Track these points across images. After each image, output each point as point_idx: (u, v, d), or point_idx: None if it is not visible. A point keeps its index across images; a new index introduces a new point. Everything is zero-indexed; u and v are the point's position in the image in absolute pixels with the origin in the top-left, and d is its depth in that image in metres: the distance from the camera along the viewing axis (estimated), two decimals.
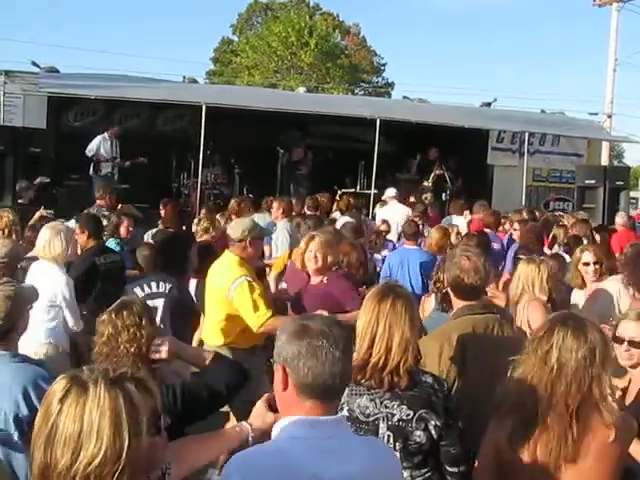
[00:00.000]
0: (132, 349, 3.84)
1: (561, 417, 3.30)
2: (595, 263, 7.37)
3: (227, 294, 6.40)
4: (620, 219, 13.61)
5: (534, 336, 3.57)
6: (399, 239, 12.04)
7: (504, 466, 3.44)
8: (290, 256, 8.90)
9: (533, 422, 3.35)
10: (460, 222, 13.08)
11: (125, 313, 3.93)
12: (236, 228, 6.76)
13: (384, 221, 13.40)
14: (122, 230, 10.11)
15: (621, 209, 17.96)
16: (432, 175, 18.49)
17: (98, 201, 11.58)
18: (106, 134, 16.32)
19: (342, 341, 2.70)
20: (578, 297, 7.53)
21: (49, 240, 7.05)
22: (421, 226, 12.59)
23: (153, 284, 6.65)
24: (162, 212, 11.17)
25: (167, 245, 7.44)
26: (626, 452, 3.47)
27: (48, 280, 6.80)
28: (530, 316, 6.24)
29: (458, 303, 4.76)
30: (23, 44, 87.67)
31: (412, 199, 15.76)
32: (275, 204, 11.70)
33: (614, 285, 7.02)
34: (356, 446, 2.77)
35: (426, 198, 16.80)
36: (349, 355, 2.76)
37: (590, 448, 3.29)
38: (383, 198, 15.47)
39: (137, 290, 6.62)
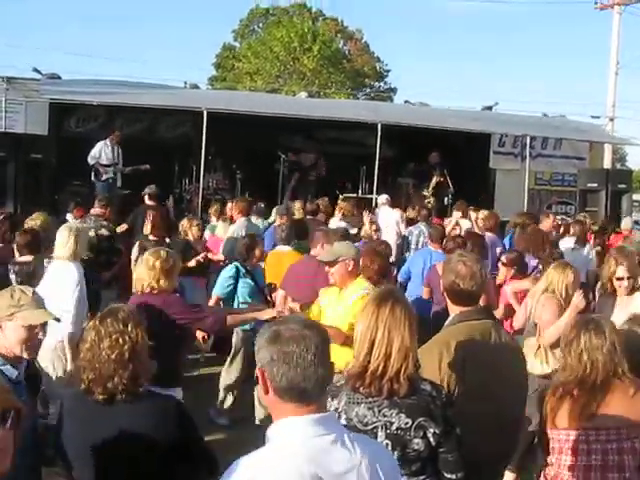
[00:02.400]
0: (113, 355, 3.86)
1: (588, 391, 4.20)
2: (629, 278, 7.36)
3: None
4: (626, 224, 13.71)
5: (566, 339, 4.44)
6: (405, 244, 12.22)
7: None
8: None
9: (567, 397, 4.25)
10: (465, 224, 13.12)
11: (109, 320, 3.96)
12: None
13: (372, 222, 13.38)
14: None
15: (623, 212, 17.98)
16: (432, 183, 18.48)
17: (98, 209, 11.50)
18: (107, 140, 16.32)
19: (315, 344, 2.71)
20: (608, 305, 7.55)
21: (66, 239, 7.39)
22: (424, 228, 12.73)
23: None
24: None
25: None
26: None
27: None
28: (542, 310, 6.48)
29: (454, 309, 4.69)
30: (24, 50, 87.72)
31: (413, 204, 15.75)
32: (233, 205, 12.52)
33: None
34: (353, 440, 2.77)
35: (429, 202, 16.80)
36: (324, 358, 2.74)
37: (612, 403, 4.16)
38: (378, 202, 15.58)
39: None
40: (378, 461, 2.79)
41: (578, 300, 6.87)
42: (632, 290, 7.34)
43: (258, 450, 2.71)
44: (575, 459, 4.17)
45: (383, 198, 15.48)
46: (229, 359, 8.86)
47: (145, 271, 6.07)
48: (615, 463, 4.09)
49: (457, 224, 12.90)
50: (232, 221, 12.38)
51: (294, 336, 2.71)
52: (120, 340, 3.89)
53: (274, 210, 13.66)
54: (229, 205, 13.41)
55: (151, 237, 10.06)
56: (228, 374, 8.87)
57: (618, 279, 7.36)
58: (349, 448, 2.70)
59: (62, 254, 7.38)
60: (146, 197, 12.99)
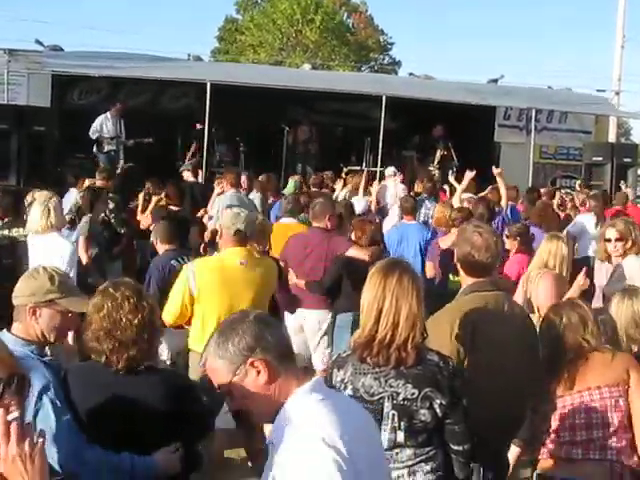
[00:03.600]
0: (135, 320, 3.72)
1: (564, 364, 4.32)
2: (618, 240, 7.33)
3: None
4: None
5: (547, 315, 4.60)
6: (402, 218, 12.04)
7: None
8: None
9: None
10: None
11: (122, 287, 3.83)
12: None
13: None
14: None
15: (629, 186, 17.90)
16: (436, 157, 18.39)
17: (99, 181, 11.44)
18: (108, 113, 16.19)
19: (260, 315, 2.82)
20: (601, 270, 7.78)
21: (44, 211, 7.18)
22: (428, 202, 12.64)
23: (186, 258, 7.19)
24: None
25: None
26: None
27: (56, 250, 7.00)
28: (538, 288, 6.36)
29: (467, 280, 4.64)
30: (27, 22, 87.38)
31: (421, 177, 15.66)
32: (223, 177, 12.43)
33: (633, 262, 7.14)
34: (349, 401, 2.95)
35: (434, 175, 16.72)
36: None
37: (591, 368, 4.26)
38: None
39: (175, 262, 7.09)
40: (370, 422, 2.93)
41: (582, 279, 6.70)
42: (624, 254, 7.32)
43: (300, 426, 2.54)
44: (562, 421, 4.25)
45: (390, 170, 15.33)
46: None
47: None
48: (599, 421, 4.18)
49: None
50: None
51: (247, 312, 2.83)
52: (139, 306, 3.76)
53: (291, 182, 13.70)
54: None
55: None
56: None
57: (607, 240, 7.39)
58: (351, 403, 2.89)
59: (41, 226, 7.19)
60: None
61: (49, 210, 7.19)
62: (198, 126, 16.70)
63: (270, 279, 6.46)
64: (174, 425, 3.68)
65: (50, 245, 7.09)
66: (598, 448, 4.15)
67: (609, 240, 7.38)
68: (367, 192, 13.43)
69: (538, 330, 4.63)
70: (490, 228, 4.97)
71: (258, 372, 2.61)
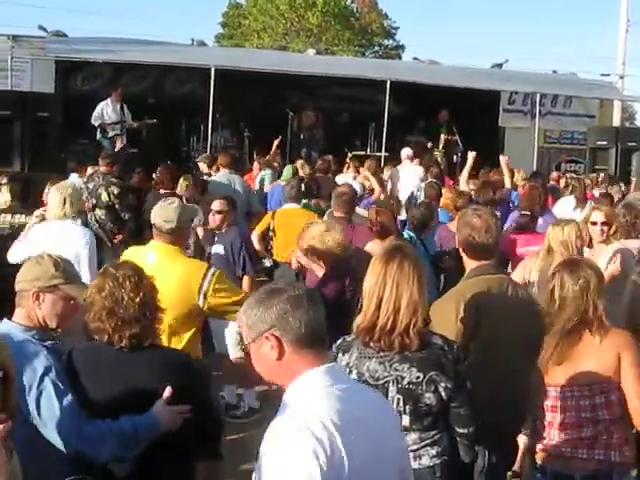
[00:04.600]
0: (137, 298, 3.75)
1: (556, 335, 4.14)
2: (603, 224, 7.26)
3: None
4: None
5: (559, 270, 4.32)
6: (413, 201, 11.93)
7: None
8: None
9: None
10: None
11: (122, 268, 3.87)
12: None
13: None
14: None
15: (633, 171, 17.86)
16: (441, 142, 18.35)
17: (103, 167, 11.37)
18: (108, 100, 16.11)
19: (308, 293, 2.72)
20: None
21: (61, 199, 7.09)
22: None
23: None
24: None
25: None
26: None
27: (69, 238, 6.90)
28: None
29: (470, 264, 4.67)
30: (30, 8, 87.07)
31: (424, 162, 15.58)
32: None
33: (614, 248, 6.96)
34: (363, 390, 2.87)
35: (437, 159, 16.71)
36: (321, 306, 2.71)
37: (581, 352, 4.10)
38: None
39: None
40: (385, 411, 2.89)
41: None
42: (607, 239, 7.25)
43: (290, 412, 2.57)
44: (553, 416, 4.21)
45: (405, 153, 15.02)
46: None
47: None
48: (589, 418, 4.11)
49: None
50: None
51: (289, 286, 2.71)
52: (140, 285, 3.79)
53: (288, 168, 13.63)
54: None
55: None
56: None
57: (592, 223, 7.31)
58: (361, 398, 2.72)
59: (58, 214, 7.12)
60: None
61: (65, 199, 7.17)
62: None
63: (186, 283, 5.21)
64: (176, 401, 3.69)
65: (64, 233, 7.08)
66: (586, 447, 4.11)
67: (595, 223, 7.30)
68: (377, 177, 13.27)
69: (551, 285, 4.31)
70: (490, 210, 4.98)
71: (272, 347, 2.62)
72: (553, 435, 4.20)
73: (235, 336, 6.99)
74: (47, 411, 3.60)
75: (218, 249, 8.10)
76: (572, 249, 6.53)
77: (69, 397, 3.65)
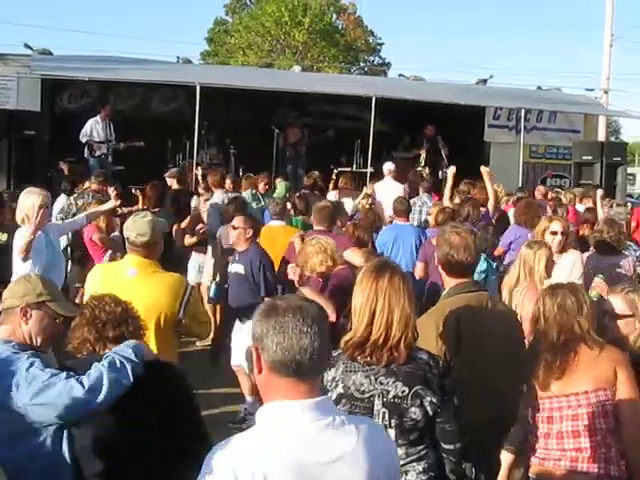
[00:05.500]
0: (119, 309, 4.03)
1: (551, 350, 4.22)
2: (562, 233, 7.63)
3: None
4: None
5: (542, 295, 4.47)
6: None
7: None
8: None
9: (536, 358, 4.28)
10: None
11: (106, 297, 4.15)
12: None
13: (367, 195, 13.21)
14: None
15: (618, 185, 17.98)
16: (422, 157, 18.42)
17: (95, 186, 11.38)
18: (98, 117, 16.19)
19: (312, 316, 2.60)
20: None
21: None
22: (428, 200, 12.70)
23: None
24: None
25: None
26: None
27: None
28: (524, 302, 6.15)
29: (450, 282, 4.70)
30: (16, 26, 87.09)
31: (408, 178, 15.65)
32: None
33: (571, 257, 7.61)
34: (346, 425, 2.63)
35: (422, 174, 16.79)
36: (322, 330, 2.60)
37: (578, 365, 4.17)
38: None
39: None
40: (373, 443, 2.68)
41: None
42: (563, 248, 7.64)
43: (240, 435, 2.59)
44: (549, 427, 4.22)
45: (387, 167, 15.02)
46: None
47: None
48: (586, 428, 4.12)
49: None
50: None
51: (290, 306, 2.60)
52: (119, 302, 4.04)
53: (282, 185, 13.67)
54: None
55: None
56: None
57: (553, 233, 7.57)
58: (344, 432, 2.61)
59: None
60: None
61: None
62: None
63: (164, 297, 5.31)
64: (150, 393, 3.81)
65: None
66: (586, 460, 4.11)
67: (555, 233, 7.59)
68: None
69: (535, 308, 4.45)
70: (468, 228, 5.01)
71: (256, 359, 2.61)
72: (551, 446, 4.21)
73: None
74: (47, 400, 3.61)
75: (238, 268, 8.08)
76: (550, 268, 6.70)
77: (58, 372, 3.70)
